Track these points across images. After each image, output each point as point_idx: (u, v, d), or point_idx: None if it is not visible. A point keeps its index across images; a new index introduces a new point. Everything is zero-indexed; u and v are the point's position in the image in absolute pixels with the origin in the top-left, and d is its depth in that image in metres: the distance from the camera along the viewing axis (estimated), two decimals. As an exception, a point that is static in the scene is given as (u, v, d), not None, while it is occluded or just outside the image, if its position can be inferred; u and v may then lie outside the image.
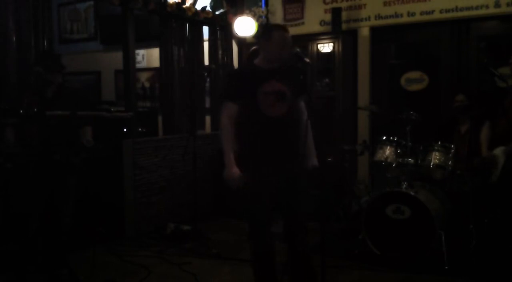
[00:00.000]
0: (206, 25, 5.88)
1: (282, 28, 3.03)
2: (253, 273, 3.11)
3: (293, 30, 6.41)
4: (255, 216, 3.01)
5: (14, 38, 3.99)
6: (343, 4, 5.74)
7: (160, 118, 5.67)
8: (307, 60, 2.86)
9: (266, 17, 6.08)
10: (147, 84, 7.06)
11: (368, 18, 5.64)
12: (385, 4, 5.53)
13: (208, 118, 6.15)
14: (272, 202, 2.98)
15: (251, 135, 2.96)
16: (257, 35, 3.12)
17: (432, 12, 5.29)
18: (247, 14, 5.92)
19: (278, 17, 6.15)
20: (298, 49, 2.91)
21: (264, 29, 3.09)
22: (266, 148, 2.92)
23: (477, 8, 5.07)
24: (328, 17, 5.69)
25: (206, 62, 5.89)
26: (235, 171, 2.89)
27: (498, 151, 3.76)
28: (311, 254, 3.08)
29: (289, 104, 2.96)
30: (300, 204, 3.04)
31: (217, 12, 5.88)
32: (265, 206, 2.97)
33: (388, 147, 4.26)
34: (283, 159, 2.94)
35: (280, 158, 2.94)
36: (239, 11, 5.99)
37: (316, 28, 5.93)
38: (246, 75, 3.04)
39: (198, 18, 5.58)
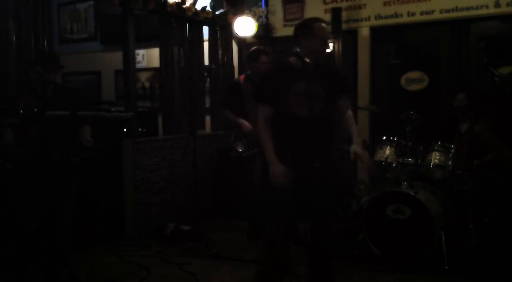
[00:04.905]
0: (206, 25, 5.88)
1: (321, 20, 2.91)
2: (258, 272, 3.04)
3: (293, 30, 6.48)
4: (277, 217, 2.90)
5: (14, 38, 3.99)
6: (343, 4, 5.73)
7: (160, 118, 5.67)
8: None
9: (266, 17, 6.08)
10: (147, 84, 7.06)
11: (368, 18, 5.63)
12: (385, 4, 5.52)
13: (208, 118, 6.15)
14: (296, 203, 2.88)
15: (283, 136, 2.87)
16: (296, 32, 3.01)
17: (432, 12, 5.29)
18: (247, 14, 5.91)
19: (278, 17, 6.15)
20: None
21: (303, 23, 2.98)
22: (296, 148, 2.82)
23: (477, 8, 5.06)
24: (328, 17, 5.68)
25: (206, 62, 5.89)
26: (280, 168, 2.76)
27: None
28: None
29: (324, 105, 2.85)
30: (327, 207, 2.96)
31: (217, 12, 5.88)
32: (288, 207, 2.87)
33: (388, 147, 4.26)
34: (312, 160, 2.83)
35: (310, 159, 2.82)
36: (239, 11, 5.99)
37: (316, 28, 5.91)
38: (277, 75, 2.96)
39: (198, 18, 5.59)
